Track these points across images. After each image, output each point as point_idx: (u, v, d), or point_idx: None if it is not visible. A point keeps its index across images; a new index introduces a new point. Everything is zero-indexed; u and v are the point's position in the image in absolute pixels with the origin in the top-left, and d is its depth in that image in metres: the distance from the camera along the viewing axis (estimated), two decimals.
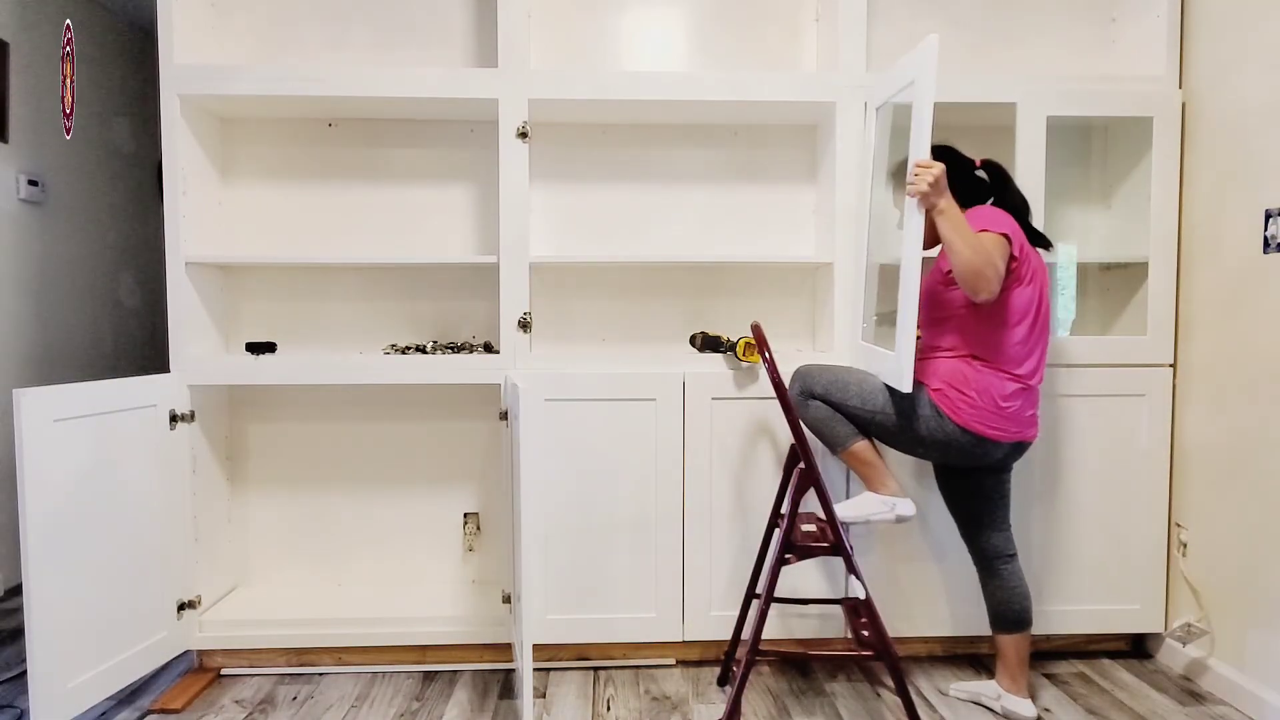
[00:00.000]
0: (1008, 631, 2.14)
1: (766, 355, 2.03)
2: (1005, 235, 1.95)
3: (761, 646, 2.03)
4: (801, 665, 2.46)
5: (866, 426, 2.09)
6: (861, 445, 2.09)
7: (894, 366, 2.02)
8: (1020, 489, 2.42)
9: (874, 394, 2.07)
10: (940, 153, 2.07)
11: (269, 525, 2.70)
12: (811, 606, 2.41)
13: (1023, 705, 2.13)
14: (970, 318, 2.03)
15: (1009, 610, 2.14)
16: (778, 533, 2.08)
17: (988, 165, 2.15)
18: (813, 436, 2.15)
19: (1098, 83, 2.46)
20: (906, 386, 1.96)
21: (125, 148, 3.90)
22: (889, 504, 2.05)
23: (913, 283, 1.93)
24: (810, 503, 2.26)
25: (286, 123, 2.64)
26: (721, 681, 2.35)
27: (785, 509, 2.07)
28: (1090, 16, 2.71)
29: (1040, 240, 2.12)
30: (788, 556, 2.02)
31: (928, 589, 2.45)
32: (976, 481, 2.14)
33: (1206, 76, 2.38)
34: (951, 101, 2.39)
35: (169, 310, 2.37)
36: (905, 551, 2.43)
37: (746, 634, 2.25)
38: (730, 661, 2.33)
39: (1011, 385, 1.99)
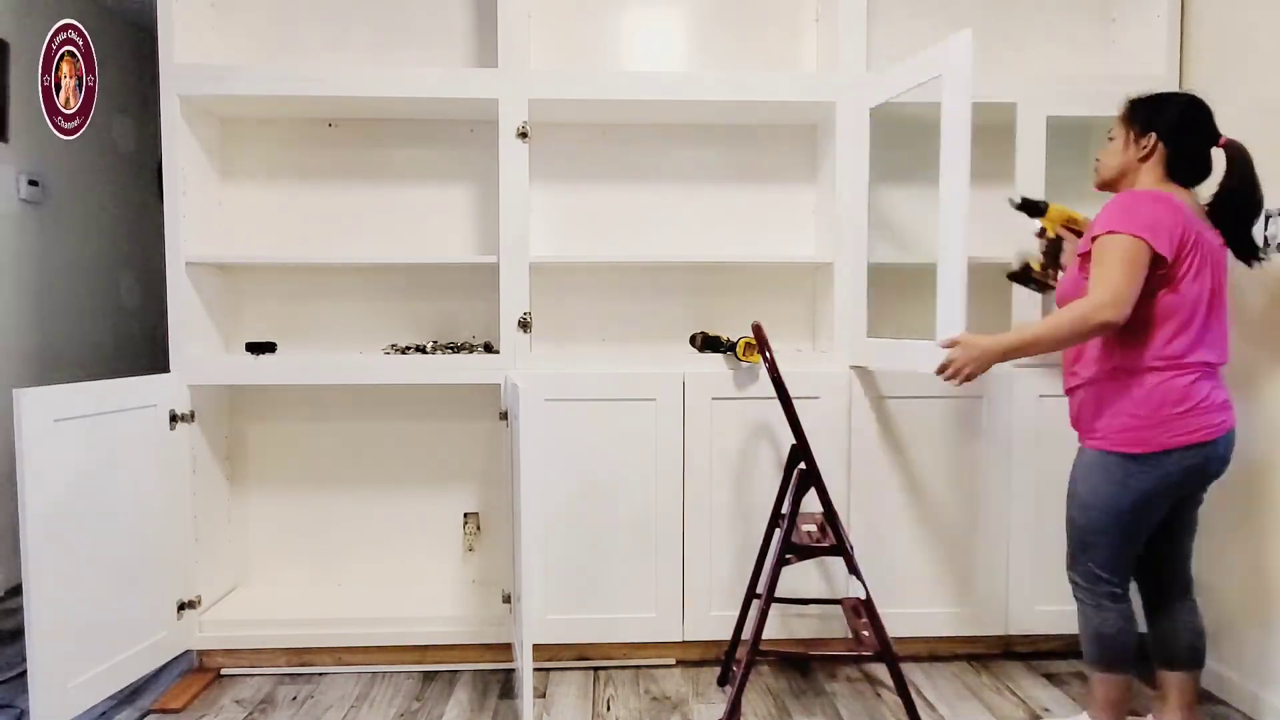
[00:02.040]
0: (1189, 668, 1.92)
1: (767, 355, 2.03)
2: (1138, 237, 1.71)
3: (762, 646, 2.03)
4: (801, 665, 2.46)
5: (1099, 547, 1.86)
6: (1121, 681, 1.88)
7: (925, 354, 2.01)
8: (1021, 489, 2.42)
9: (1083, 510, 1.86)
10: (1181, 103, 1.85)
11: (269, 525, 2.70)
12: (811, 606, 2.41)
13: None
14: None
15: (1198, 642, 1.92)
16: (778, 533, 2.08)
17: (1231, 148, 1.83)
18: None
19: (1098, 83, 2.46)
20: (959, 328, 1.92)
21: (125, 148, 3.90)
22: None
23: (954, 261, 1.94)
24: (810, 503, 2.26)
25: (286, 123, 2.64)
26: (722, 681, 2.35)
27: (786, 509, 2.07)
28: (1090, 16, 2.71)
29: (1247, 252, 1.86)
30: (789, 557, 2.02)
31: (928, 589, 2.45)
32: (1180, 505, 1.90)
33: (1206, 76, 2.38)
34: None
35: (169, 310, 2.37)
36: (906, 551, 2.43)
37: (747, 634, 2.25)
38: (730, 661, 2.33)
39: (1183, 378, 1.76)
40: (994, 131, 2.60)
